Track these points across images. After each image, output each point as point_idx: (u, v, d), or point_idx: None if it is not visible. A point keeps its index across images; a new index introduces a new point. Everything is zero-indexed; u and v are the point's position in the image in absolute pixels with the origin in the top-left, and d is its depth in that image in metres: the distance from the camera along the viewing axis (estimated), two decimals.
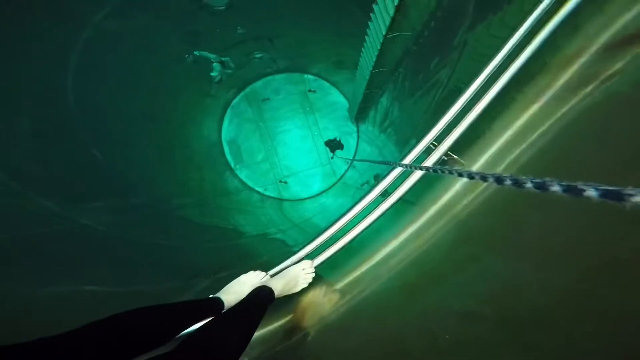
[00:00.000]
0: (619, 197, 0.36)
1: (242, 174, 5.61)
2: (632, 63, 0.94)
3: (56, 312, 1.16)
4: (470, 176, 0.63)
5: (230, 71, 4.95)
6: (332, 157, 6.03)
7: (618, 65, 0.92)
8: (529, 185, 0.44)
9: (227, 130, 5.67)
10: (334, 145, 5.86)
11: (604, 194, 0.38)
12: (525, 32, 1.28)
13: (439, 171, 0.89)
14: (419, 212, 1.51)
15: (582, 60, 1.20)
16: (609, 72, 0.91)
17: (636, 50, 0.93)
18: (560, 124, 1.03)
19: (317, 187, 5.94)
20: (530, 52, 1.24)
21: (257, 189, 5.65)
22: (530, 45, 1.24)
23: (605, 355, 0.53)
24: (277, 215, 5.21)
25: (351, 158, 5.88)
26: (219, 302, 1.39)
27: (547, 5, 1.25)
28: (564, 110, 1.02)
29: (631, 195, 0.35)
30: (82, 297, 1.54)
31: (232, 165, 5.58)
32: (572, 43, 1.20)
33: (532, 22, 1.25)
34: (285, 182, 5.82)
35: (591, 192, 0.39)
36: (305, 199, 5.88)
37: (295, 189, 5.89)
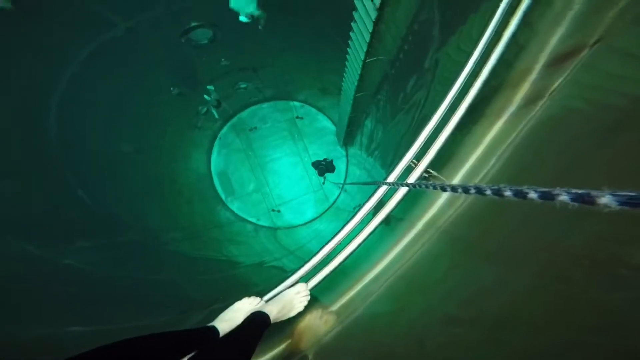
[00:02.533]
0: (550, 197, 0.40)
1: (234, 206, 5.58)
2: (570, 78, 1.01)
3: (41, 353, 1.13)
4: (454, 189, 0.65)
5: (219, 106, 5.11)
6: (323, 183, 6.07)
7: (560, 80, 0.98)
8: (507, 193, 0.47)
9: (216, 161, 5.70)
10: (324, 166, 5.78)
11: (541, 196, 0.42)
12: (483, 48, 1.35)
13: (422, 186, 0.92)
14: (407, 228, 1.53)
15: (532, 76, 1.27)
16: (554, 86, 0.98)
17: (570, 65, 1.00)
18: (521, 137, 1.09)
19: (310, 213, 5.93)
20: (488, 69, 1.31)
21: (250, 219, 5.61)
22: (488, 63, 1.31)
23: (569, 345, 0.54)
24: (272, 244, 5.17)
25: (342, 182, 5.92)
26: (214, 330, 1.36)
27: (500, 18, 1.33)
28: (523, 122, 1.08)
29: (558, 195, 0.38)
30: (68, 337, 1.50)
31: (223, 197, 5.57)
32: (521, 60, 1.28)
33: (488, 38, 1.32)
34: (278, 211, 5.80)
35: (533, 195, 0.43)
36: (299, 225, 5.85)
37: (289, 217, 5.87)
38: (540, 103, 1.04)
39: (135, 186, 3.76)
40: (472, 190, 0.53)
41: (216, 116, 5.31)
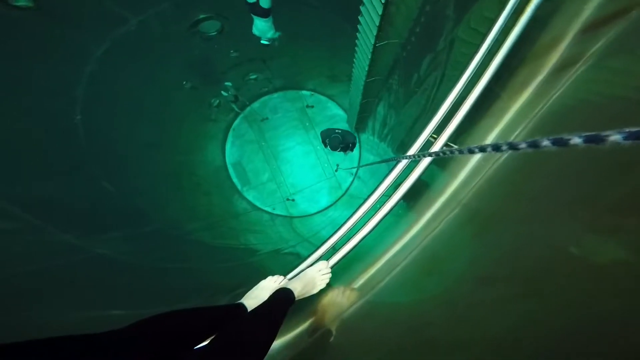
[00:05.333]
0: (599, 139, 0.42)
1: (250, 196, 5.68)
2: (609, 43, 1.01)
3: (92, 329, 1.22)
4: (482, 149, 0.66)
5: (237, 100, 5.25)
6: (336, 170, 6.11)
7: (598, 44, 0.98)
8: (545, 143, 0.48)
9: (231, 153, 5.78)
10: (339, 138, 4.88)
11: (587, 139, 0.44)
12: (501, 26, 1.35)
13: (447, 153, 0.92)
14: (428, 203, 1.56)
15: (564, 43, 1.27)
16: (590, 51, 0.98)
17: (610, 30, 1.00)
18: (550, 104, 1.09)
19: (324, 201, 5.99)
20: (508, 46, 1.31)
21: (266, 208, 5.70)
22: (507, 40, 1.31)
23: (603, 297, 0.57)
24: (288, 232, 5.25)
25: (355, 167, 5.94)
26: (242, 306, 1.44)
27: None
28: (552, 91, 1.08)
29: (608, 135, 0.40)
30: (112, 319, 1.59)
31: (239, 187, 5.67)
32: (547, 33, 1.28)
33: (508, 14, 1.32)
34: (293, 200, 5.88)
35: (576, 140, 0.45)
36: (314, 214, 5.92)
37: (303, 205, 5.94)
38: (574, 69, 1.04)
39: (156, 180, 3.87)
40: (505, 147, 0.54)
41: (236, 110, 5.55)
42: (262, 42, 3.46)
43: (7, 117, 2.39)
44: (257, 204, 5.70)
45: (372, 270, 1.62)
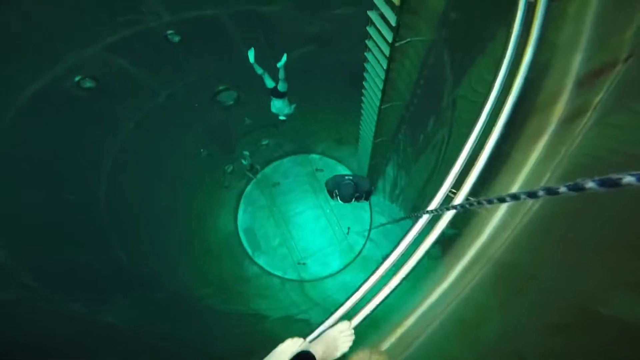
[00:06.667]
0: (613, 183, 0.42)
1: (261, 261, 5.59)
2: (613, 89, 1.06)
3: None
4: (515, 197, 0.64)
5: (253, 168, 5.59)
6: (347, 233, 6.04)
7: (601, 94, 1.03)
8: (590, 185, 0.48)
9: (243, 219, 5.82)
10: (351, 186, 3.53)
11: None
12: (500, 85, 1.43)
13: (474, 204, 0.89)
14: (456, 259, 1.50)
15: (563, 99, 1.33)
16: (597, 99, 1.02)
17: (608, 79, 1.05)
18: (576, 146, 1.10)
19: (336, 264, 5.84)
20: (515, 94, 1.37)
21: (277, 273, 5.57)
22: (513, 90, 1.37)
23: None
24: (299, 297, 5.05)
25: (367, 229, 5.88)
26: None
27: (511, 58, 1.41)
28: (570, 138, 1.10)
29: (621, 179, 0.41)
30: None
31: (250, 253, 5.60)
32: (544, 90, 1.34)
33: (504, 75, 1.40)
34: (304, 264, 5.75)
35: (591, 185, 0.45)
36: (326, 277, 5.74)
37: (315, 269, 5.79)
38: (581, 124, 1.06)
39: (169, 245, 3.86)
40: (541, 192, 0.54)
41: (253, 177, 5.83)
42: (280, 118, 3.78)
43: (38, 187, 2.48)
44: (268, 268, 5.58)
45: (401, 329, 1.51)
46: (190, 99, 3.49)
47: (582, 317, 0.73)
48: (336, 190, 3.52)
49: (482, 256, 1.45)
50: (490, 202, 0.80)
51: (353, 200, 3.43)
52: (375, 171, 4.97)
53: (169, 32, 2.82)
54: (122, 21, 2.50)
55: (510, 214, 1.40)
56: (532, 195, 0.60)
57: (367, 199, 3.71)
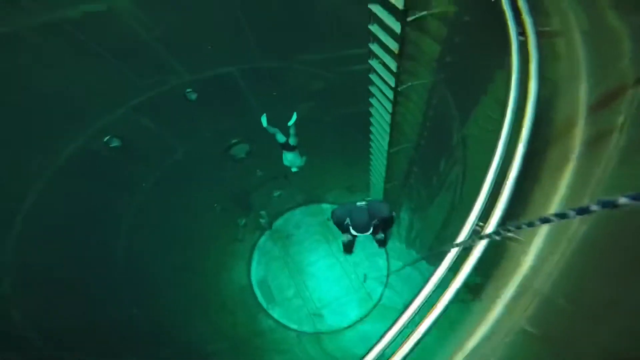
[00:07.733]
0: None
1: (275, 313, 5.38)
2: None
3: None
4: (562, 216, 0.64)
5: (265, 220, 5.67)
6: (364, 281, 5.86)
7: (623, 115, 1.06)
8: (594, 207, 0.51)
9: (256, 271, 5.72)
10: (365, 215, 2.70)
11: None
12: (511, 120, 1.47)
13: (511, 229, 0.86)
14: (495, 293, 1.44)
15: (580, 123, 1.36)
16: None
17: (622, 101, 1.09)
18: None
19: (354, 314, 5.59)
20: (528, 127, 1.40)
21: (292, 326, 5.33)
22: (525, 123, 1.41)
23: None
24: (316, 351, 4.79)
25: (384, 274, 5.71)
26: None
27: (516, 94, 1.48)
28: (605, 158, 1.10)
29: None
30: None
31: (264, 305, 5.41)
32: (557, 120, 1.39)
33: (512, 113, 1.45)
34: (320, 315, 5.52)
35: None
36: (344, 328, 5.48)
37: (332, 320, 5.53)
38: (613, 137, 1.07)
39: (182, 302, 3.79)
40: (594, 207, 0.55)
41: (268, 228, 5.94)
42: (292, 170, 3.92)
43: (59, 249, 2.52)
44: (283, 321, 5.35)
45: None
46: (205, 154, 3.63)
47: None
48: (347, 220, 2.71)
49: (526, 288, 1.39)
50: (531, 224, 0.80)
51: (371, 230, 2.66)
52: None
53: (188, 90, 3.03)
54: (150, 82, 2.70)
55: (549, 242, 1.35)
56: (583, 211, 0.60)
57: (386, 228, 2.88)
